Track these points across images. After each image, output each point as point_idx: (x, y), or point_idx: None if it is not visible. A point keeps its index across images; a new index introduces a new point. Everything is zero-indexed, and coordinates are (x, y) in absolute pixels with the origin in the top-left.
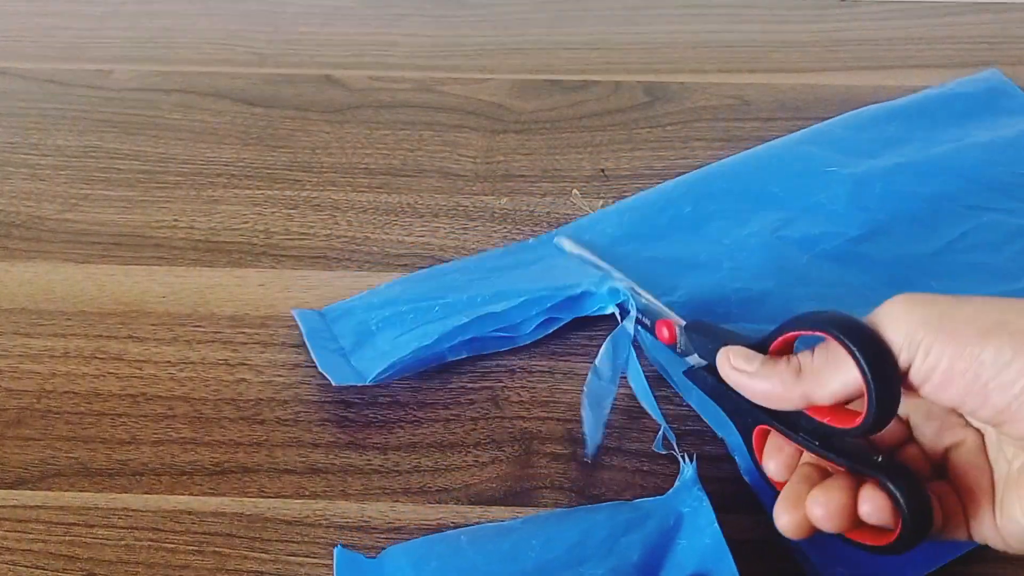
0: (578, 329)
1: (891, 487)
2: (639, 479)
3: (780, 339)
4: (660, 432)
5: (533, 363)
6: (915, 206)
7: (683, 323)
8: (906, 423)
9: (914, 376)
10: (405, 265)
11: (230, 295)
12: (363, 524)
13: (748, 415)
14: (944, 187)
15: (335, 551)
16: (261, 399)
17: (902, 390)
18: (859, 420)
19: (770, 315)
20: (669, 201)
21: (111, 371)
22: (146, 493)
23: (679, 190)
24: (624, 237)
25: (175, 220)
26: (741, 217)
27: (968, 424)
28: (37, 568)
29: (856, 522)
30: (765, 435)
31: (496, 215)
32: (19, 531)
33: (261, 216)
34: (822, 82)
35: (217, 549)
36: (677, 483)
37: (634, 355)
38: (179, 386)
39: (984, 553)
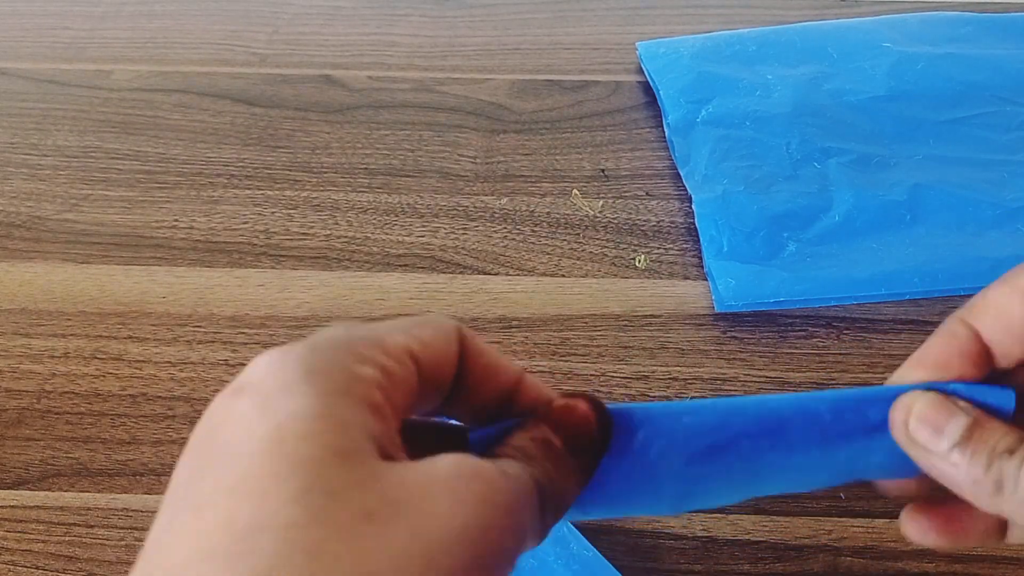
0: (579, 329)
1: None
2: None
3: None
4: None
5: (533, 363)
6: (947, 86)
7: None
8: None
9: None
10: (405, 265)
11: (230, 295)
12: None
13: None
14: (981, 78)
15: None
16: None
17: None
18: None
19: (777, 131)
20: (740, 38)
21: (111, 371)
22: (146, 493)
23: (752, 34)
24: (690, 55)
25: (175, 220)
26: (792, 63)
27: None
28: (37, 568)
29: None
30: None
31: (496, 215)
32: (19, 531)
33: (261, 216)
34: None
35: None
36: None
37: None
38: (179, 386)
39: (984, 553)
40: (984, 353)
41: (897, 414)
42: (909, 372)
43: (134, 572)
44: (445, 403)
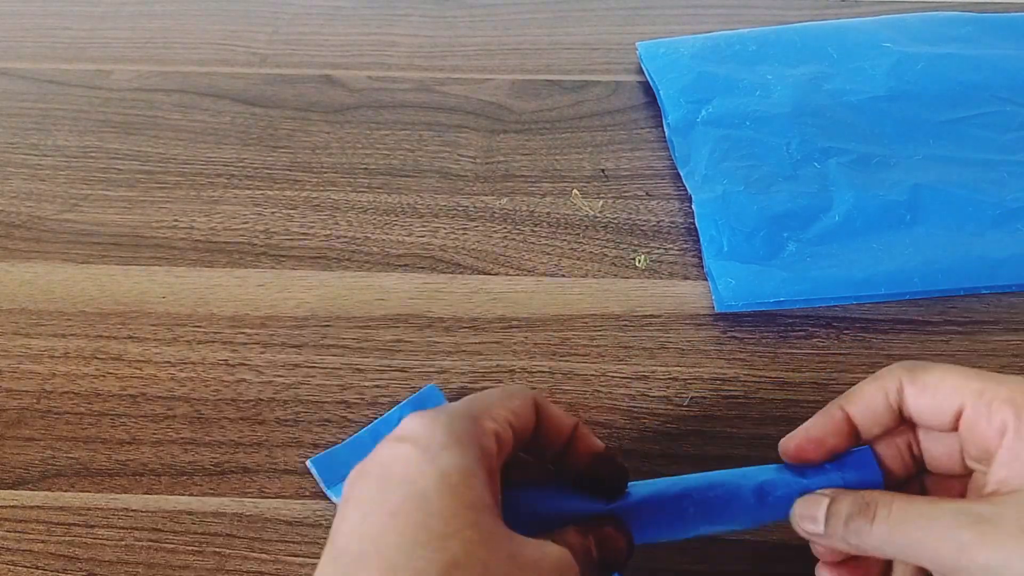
0: (579, 329)
1: None
2: (639, 479)
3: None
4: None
5: (533, 363)
6: (946, 87)
7: None
8: None
9: None
10: (405, 265)
11: (230, 295)
12: None
13: None
14: (981, 78)
15: (309, 464)
16: (261, 399)
17: None
18: None
19: (777, 131)
20: (740, 38)
21: (111, 371)
22: (146, 493)
23: (752, 33)
24: (690, 55)
25: (175, 220)
26: (792, 63)
27: None
28: (37, 568)
29: None
30: None
31: (496, 215)
32: (19, 531)
33: (261, 216)
34: None
35: (217, 549)
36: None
37: None
38: (179, 386)
39: None
40: (853, 431)
41: (791, 518)
42: (799, 436)
43: (337, 555)
44: (522, 449)
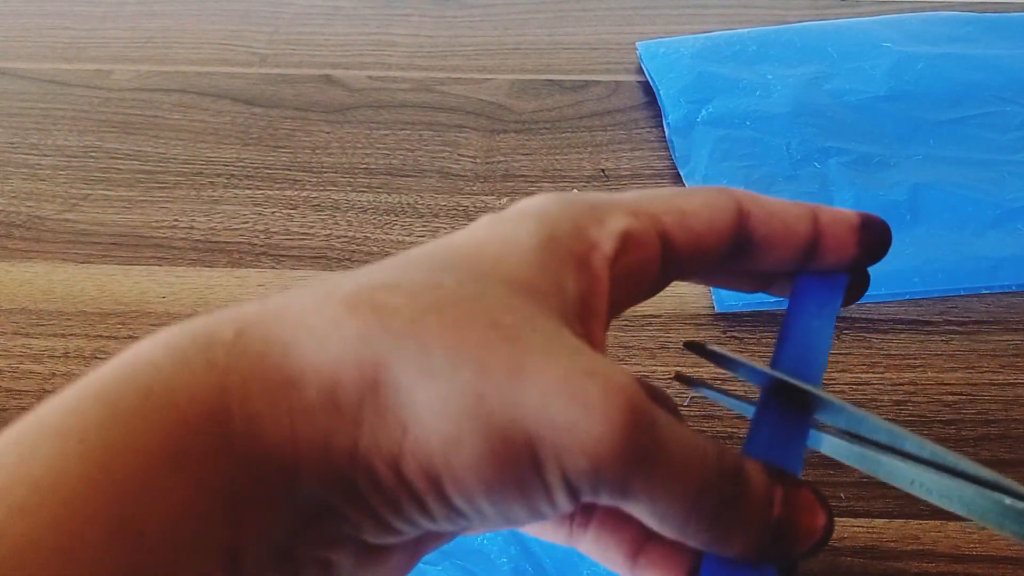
0: None
1: None
2: None
3: None
4: None
5: None
6: (947, 86)
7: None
8: None
9: None
10: None
11: (230, 295)
12: None
13: None
14: (981, 78)
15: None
16: None
17: None
18: None
19: (777, 130)
20: (740, 38)
21: None
22: None
23: (752, 33)
24: (690, 55)
25: (175, 220)
26: (792, 63)
27: None
28: None
29: None
30: None
31: None
32: None
33: (261, 216)
34: None
35: None
36: None
37: None
38: None
39: (984, 553)
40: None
41: None
42: None
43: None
44: (721, 271)
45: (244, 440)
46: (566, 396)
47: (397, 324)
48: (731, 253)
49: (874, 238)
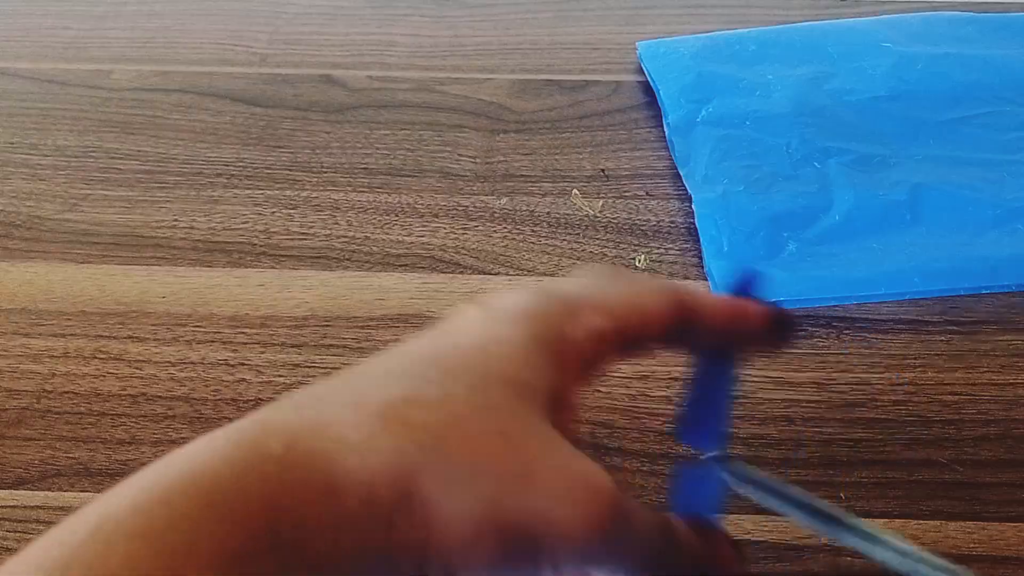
0: None
1: None
2: (640, 479)
3: None
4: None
5: None
6: (947, 86)
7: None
8: None
9: None
10: (405, 265)
11: (230, 295)
12: None
13: None
14: (981, 78)
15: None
16: (261, 399)
17: None
18: None
19: (777, 130)
20: (740, 38)
21: (111, 371)
22: None
23: (752, 33)
24: (690, 55)
25: (175, 220)
26: (792, 63)
27: None
28: None
29: None
30: None
31: (496, 215)
32: (19, 531)
33: (261, 216)
34: None
35: None
36: None
37: None
38: (179, 386)
39: (985, 553)
40: None
41: None
42: None
43: (344, 374)
44: (666, 346)
45: (292, 544)
46: (566, 501)
47: (424, 438)
48: (671, 339)
49: (783, 328)
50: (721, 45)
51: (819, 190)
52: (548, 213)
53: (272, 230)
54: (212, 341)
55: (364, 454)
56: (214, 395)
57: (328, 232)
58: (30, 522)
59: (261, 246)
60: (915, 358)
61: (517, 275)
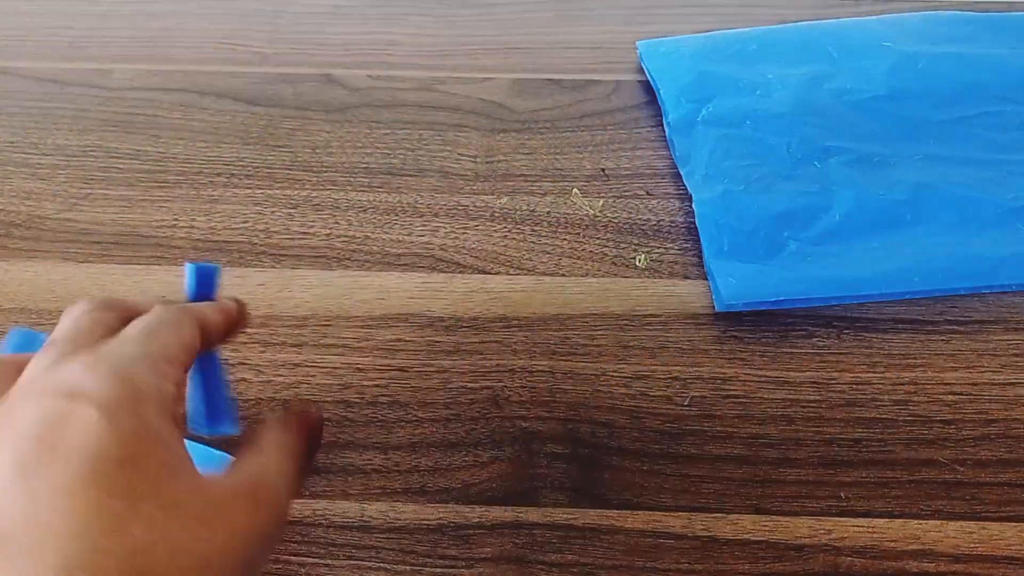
0: (579, 329)
1: None
2: (639, 479)
3: None
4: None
5: (533, 363)
6: (947, 85)
7: None
8: None
9: None
10: (405, 264)
11: (230, 294)
12: (363, 524)
13: None
14: (981, 77)
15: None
16: (261, 399)
17: None
18: None
19: (777, 130)
20: (741, 38)
21: None
22: None
23: (753, 32)
24: (691, 55)
25: (175, 220)
26: (793, 63)
27: None
28: None
29: None
30: None
31: (496, 215)
32: None
33: (261, 215)
34: None
35: None
36: None
37: None
38: None
39: (985, 553)
40: None
41: None
42: None
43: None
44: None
45: None
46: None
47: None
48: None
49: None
50: (721, 44)
51: (819, 190)
52: (548, 212)
53: (272, 229)
54: None
55: None
56: None
57: (328, 231)
58: None
59: (261, 245)
60: (915, 358)
61: (517, 274)
